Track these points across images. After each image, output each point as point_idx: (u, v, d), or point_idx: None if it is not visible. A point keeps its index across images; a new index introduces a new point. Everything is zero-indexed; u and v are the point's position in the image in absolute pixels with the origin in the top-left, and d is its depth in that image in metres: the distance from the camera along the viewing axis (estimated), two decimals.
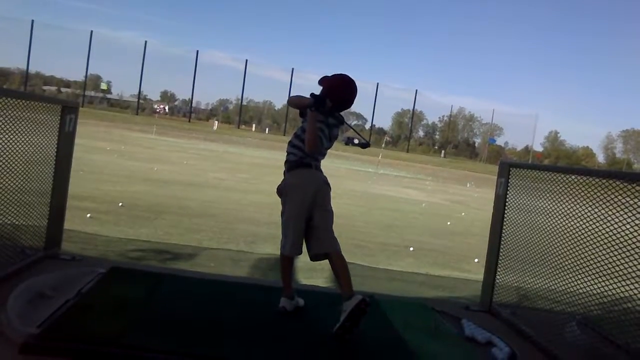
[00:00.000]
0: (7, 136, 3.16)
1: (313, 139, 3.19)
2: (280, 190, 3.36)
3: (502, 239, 4.17)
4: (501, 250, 4.17)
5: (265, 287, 3.98)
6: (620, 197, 3.14)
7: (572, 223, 3.45)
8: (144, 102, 68.96)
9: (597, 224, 3.22)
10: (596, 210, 3.26)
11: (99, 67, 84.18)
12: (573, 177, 3.60)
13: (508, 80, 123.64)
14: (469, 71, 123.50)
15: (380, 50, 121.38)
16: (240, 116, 67.35)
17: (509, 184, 4.19)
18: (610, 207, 3.17)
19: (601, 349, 3.17)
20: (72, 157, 4.05)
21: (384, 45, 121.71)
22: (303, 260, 3.40)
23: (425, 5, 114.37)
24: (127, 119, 46.24)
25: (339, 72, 3.43)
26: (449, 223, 11.08)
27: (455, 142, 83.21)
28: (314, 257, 3.30)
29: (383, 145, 45.35)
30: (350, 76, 3.41)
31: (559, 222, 3.59)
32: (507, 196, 4.18)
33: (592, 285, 3.17)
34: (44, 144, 3.70)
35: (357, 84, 3.42)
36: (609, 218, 3.15)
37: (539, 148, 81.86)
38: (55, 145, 3.83)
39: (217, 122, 63.38)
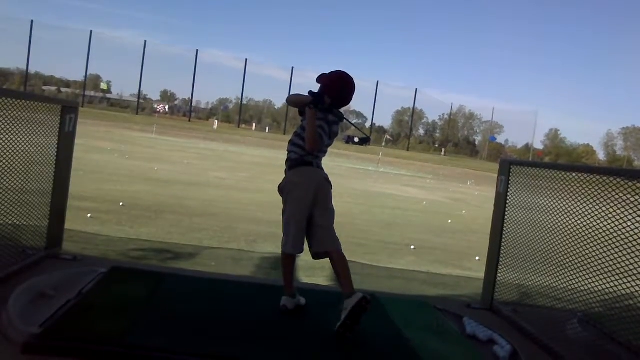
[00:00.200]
0: (7, 136, 3.16)
1: (313, 137, 3.19)
2: (282, 189, 3.36)
3: (503, 236, 4.17)
4: (502, 248, 4.16)
5: (267, 286, 3.98)
6: (621, 195, 3.14)
7: (573, 220, 3.45)
8: (144, 101, 69.02)
9: (598, 222, 3.22)
10: (597, 207, 3.26)
11: (98, 67, 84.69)
12: (574, 174, 3.60)
13: (508, 78, 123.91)
14: (469, 69, 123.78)
15: (380, 49, 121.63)
16: (240, 115, 67.37)
17: (509, 182, 4.19)
18: (611, 205, 3.17)
19: (603, 346, 3.17)
20: (72, 157, 4.05)
21: (384, 44, 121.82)
22: (304, 259, 3.40)
23: (425, 4, 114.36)
24: (127, 119, 46.25)
25: (337, 70, 3.43)
26: (449, 221, 11.07)
27: (455, 140, 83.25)
28: (315, 256, 3.30)
29: (383, 144, 45.28)
30: (348, 73, 3.41)
31: (560, 219, 3.59)
32: (508, 194, 4.17)
33: (593, 282, 3.18)
34: (44, 144, 3.70)
35: (356, 82, 3.42)
36: (610, 215, 3.15)
37: (539, 146, 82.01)
38: (56, 146, 3.83)
39: (217, 121, 63.49)
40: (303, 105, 3.28)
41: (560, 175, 3.73)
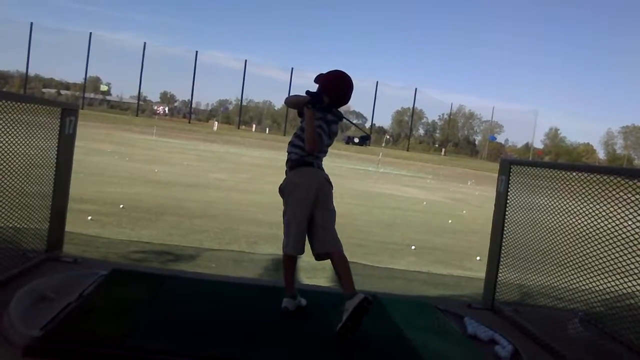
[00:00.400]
0: (7, 139, 3.16)
1: (312, 137, 3.19)
2: (282, 190, 3.36)
3: (504, 236, 4.17)
4: (503, 247, 4.16)
5: (268, 288, 3.98)
6: (621, 194, 3.14)
7: (574, 220, 3.45)
8: (143, 103, 69.07)
9: (599, 221, 3.22)
10: (597, 207, 3.26)
11: (98, 69, 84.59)
12: (574, 174, 3.60)
13: (507, 78, 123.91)
14: (468, 69, 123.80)
15: (380, 49, 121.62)
16: (240, 116, 67.40)
17: (510, 182, 4.19)
18: (612, 204, 3.17)
19: (604, 346, 3.17)
20: (72, 159, 4.05)
21: (384, 44, 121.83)
22: (305, 260, 3.40)
23: (424, 4, 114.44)
24: (127, 121, 46.26)
25: (334, 69, 3.44)
26: (450, 221, 11.07)
27: (455, 140, 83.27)
28: (317, 257, 3.30)
29: (383, 144, 45.29)
30: (345, 72, 3.41)
31: (560, 219, 3.59)
32: (509, 193, 4.17)
33: (594, 282, 3.18)
34: (44, 146, 3.70)
35: (356, 83, 3.43)
36: (611, 215, 3.15)
37: (539, 145, 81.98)
38: (56, 148, 3.84)
39: (217, 122, 63.46)
40: (301, 105, 3.28)
41: (561, 175, 3.73)
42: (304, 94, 3.26)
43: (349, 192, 13.66)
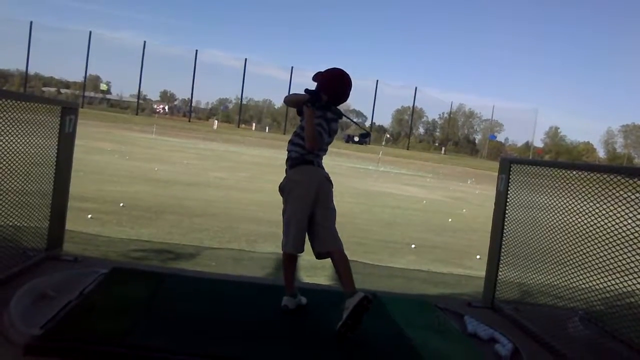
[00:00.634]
0: (7, 138, 3.16)
1: (312, 135, 3.19)
2: (282, 188, 3.35)
3: (504, 235, 4.17)
4: (503, 246, 4.16)
5: (267, 286, 3.99)
6: (621, 192, 3.14)
7: (574, 218, 3.45)
8: (143, 102, 69.05)
9: (599, 219, 3.22)
10: (597, 205, 3.26)
11: (98, 67, 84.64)
12: (574, 172, 3.60)
13: (507, 77, 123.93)
14: (468, 68, 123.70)
15: (380, 48, 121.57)
16: (240, 115, 67.37)
17: (510, 180, 4.19)
18: (612, 202, 3.17)
19: (604, 344, 3.17)
20: (72, 158, 4.05)
21: (384, 43, 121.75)
22: (305, 258, 3.40)
23: (424, 3, 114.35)
24: (127, 119, 46.25)
25: (332, 67, 3.44)
26: (450, 220, 11.07)
27: (455, 138, 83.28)
28: (318, 255, 3.30)
29: (383, 143, 45.29)
30: (344, 70, 3.41)
31: (560, 217, 3.59)
32: (509, 192, 4.17)
33: (594, 280, 3.17)
34: (44, 145, 3.70)
35: (356, 82, 3.43)
36: (611, 213, 3.15)
37: (539, 144, 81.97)
38: (56, 147, 3.83)
39: (217, 121, 63.51)
40: (301, 104, 3.28)
41: (561, 174, 3.73)
42: (303, 93, 3.26)
43: (349, 190, 13.66)
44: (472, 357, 3.08)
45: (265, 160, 22.17)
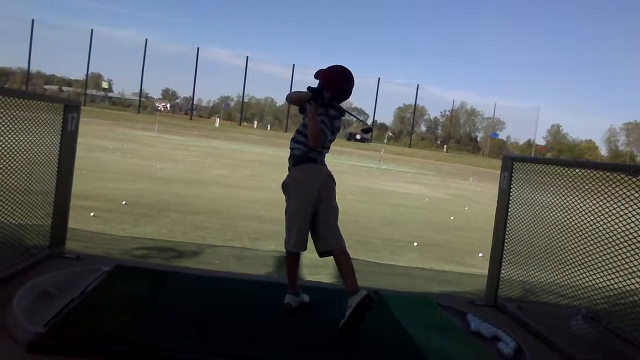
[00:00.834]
0: (10, 136, 3.16)
1: (316, 132, 3.18)
2: (285, 186, 3.35)
3: (507, 233, 4.16)
4: (505, 244, 4.16)
5: (270, 284, 3.98)
6: (624, 190, 3.13)
7: (577, 217, 3.44)
8: (145, 100, 69.07)
9: (602, 217, 3.21)
10: (600, 203, 3.25)
11: (100, 65, 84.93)
12: (577, 170, 3.59)
13: (510, 74, 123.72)
14: (470, 66, 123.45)
15: (382, 46, 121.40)
16: (241, 113, 67.37)
17: (512, 178, 4.18)
18: (615, 201, 3.16)
19: (608, 342, 3.17)
20: (75, 156, 4.05)
21: (385, 41, 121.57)
22: (307, 256, 3.39)
23: (426, 1, 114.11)
24: (129, 117, 46.26)
25: (334, 64, 3.43)
26: (452, 218, 11.06)
27: (457, 136, 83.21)
28: (320, 254, 3.30)
29: (385, 141, 45.25)
30: (345, 66, 3.40)
31: (563, 216, 3.58)
32: (511, 190, 4.17)
33: (597, 278, 3.17)
34: (47, 143, 3.70)
35: (358, 79, 3.41)
36: (614, 211, 3.14)
37: (541, 142, 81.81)
38: (58, 145, 3.83)
39: (218, 119, 63.49)
40: (303, 102, 3.28)
41: (563, 172, 3.72)
42: (305, 90, 3.26)
43: (351, 188, 13.64)
44: (475, 356, 3.08)
45: (267, 158, 22.17)
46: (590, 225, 3.28)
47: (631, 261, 2.92)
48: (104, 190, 8.44)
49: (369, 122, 62.79)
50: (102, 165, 11.64)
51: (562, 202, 3.61)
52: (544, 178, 3.90)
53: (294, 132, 3.41)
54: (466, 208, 13.50)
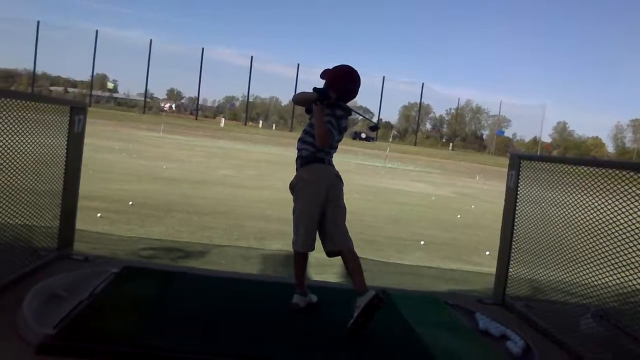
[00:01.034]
0: (18, 138, 3.17)
1: (323, 133, 3.18)
2: (293, 187, 3.34)
3: (514, 231, 4.15)
4: (513, 242, 4.14)
5: (277, 284, 3.98)
6: (633, 188, 3.11)
7: (585, 214, 3.42)
8: (150, 100, 69.22)
9: (610, 215, 3.19)
10: (609, 201, 3.23)
11: (105, 66, 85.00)
12: (585, 168, 3.56)
13: (515, 72, 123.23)
14: (475, 64, 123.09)
15: (386, 45, 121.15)
16: (247, 113, 67.40)
17: (520, 176, 4.16)
18: (624, 198, 3.14)
19: (617, 341, 3.15)
20: (82, 157, 4.06)
21: (390, 39, 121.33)
22: (314, 255, 3.39)
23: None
24: (134, 118, 46.41)
25: (340, 64, 3.42)
26: (458, 216, 11.04)
27: (463, 134, 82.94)
28: (328, 254, 3.30)
29: (390, 139, 45.18)
30: (352, 66, 3.39)
31: (571, 213, 3.56)
32: (519, 188, 4.15)
33: (607, 276, 3.15)
34: (54, 145, 3.71)
35: (363, 79, 3.41)
36: (623, 209, 3.12)
37: (547, 139, 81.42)
38: (65, 146, 3.85)
39: (223, 119, 63.51)
40: (309, 102, 3.27)
41: (571, 169, 3.70)
42: (311, 91, 3.25)
43: (357, 187, 13.64)
44: (484, 355, 3.07)
45: (272, 158, 22.19)
46: (599, 223, 3.26)
47: None
48: (110, 191, 8.47)
49: (375, 120, 62.77)
50: (108, 166, 11.68)
51: (570, 200, 3.59)
52: (552, 176, 3.88)
53: (301, 132, 3.40)
54: (472, 206, 13.47)
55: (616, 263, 3.07)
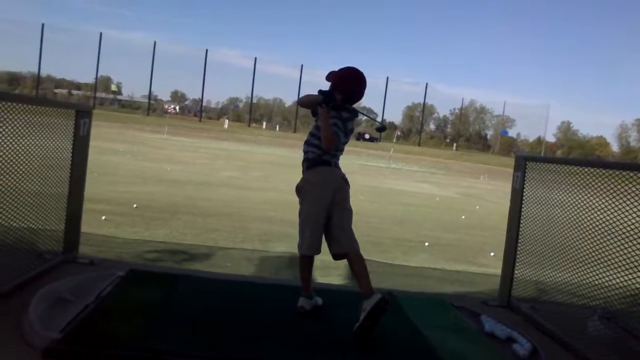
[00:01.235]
0: (24, 141, 3.18)
1: (330, 135, 3.17)
2: (299, 189, 3.34)
3: (520, 232, 4.13)
4: (519, 244, 4.12)
5: (283, 287, 3.98)
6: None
7: (592, 215, 3.41)
8: (154, 102, 69.41)
9: (617, 215, 3.17)
10: (616, 201, 3.21)
11: (109, 68, 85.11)
12: (591, 169, 3.54)
13: (519, 71, 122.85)
14: (479, 64, 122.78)
15: (390, 45, 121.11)
16: (250, 114, 67.41)
17: (525, 178, 4.14)
18: (631, 199, 3.12)
19: (625, 344, 3.13)
20: (87, 160, 4.07)
21: (393, 40, 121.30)
22: (319, 258, 3.39)
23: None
24: (138, 120, 46.50)
25: (346, 66, 3.41)
26: (463, 217, 11.01)
27: (467, 134, 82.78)
28: (334, 257, 3.29)
29: (394, 140, 45.12)
30: (357, 68, 3.39)
31: (577, 214, 3.54)
32: (524, 189, 4.13)
33: (614, 278, 3.13)
34: (59, 148, 3.72)
35: (366, 78, 3.40)
36: (630, 209, 3.10)
37: (551, 139, 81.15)
38: (71, 149, 3.86)
39: (227, 120, 63.60)
40: (314, 105, 3.27)
41: (577, 170, 3.68)
42: (317, 93, 3.25)
43: (362, 188, 13.62)
44: (490, 357, 3.06)
45: (277, 159, 22.20)
46: (606, 224, 3.25)
47: None
48: (115, 193, 8.49)
49: (379, 121, 62.51)
50: (112, 168, 11.71)
51: (576, 201, 3.57)
52: (557, 177, 3.87)
53: (307, 134, 3.39)
54: (477, 207, 13.44)
55: (623, 264, 3.05)
